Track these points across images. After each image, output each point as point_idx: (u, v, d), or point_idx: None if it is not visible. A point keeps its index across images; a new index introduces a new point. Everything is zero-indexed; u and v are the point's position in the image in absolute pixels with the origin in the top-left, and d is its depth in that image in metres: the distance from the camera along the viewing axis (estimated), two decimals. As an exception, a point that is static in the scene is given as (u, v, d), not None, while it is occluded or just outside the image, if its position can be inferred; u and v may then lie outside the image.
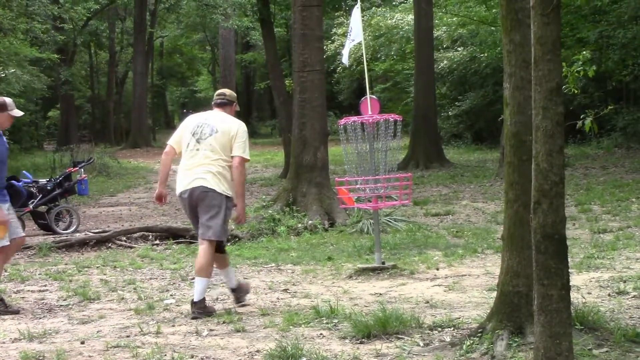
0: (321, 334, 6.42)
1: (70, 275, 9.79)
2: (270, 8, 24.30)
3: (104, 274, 9.83)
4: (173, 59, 60.60)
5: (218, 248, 7.52)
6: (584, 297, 6.82)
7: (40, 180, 15.39)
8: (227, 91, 8.02)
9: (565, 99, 4.69)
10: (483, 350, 5.45)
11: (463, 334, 5.88)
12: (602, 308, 6.47)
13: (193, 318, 7.20)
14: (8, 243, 7.82)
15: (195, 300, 7.31)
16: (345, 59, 10.85)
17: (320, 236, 12.07)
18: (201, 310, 7.26)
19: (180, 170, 7.56)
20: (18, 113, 8.03)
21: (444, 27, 29.22)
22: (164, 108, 66.94)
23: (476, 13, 26.38)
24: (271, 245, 11.55)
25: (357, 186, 9.42)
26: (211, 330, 6.72)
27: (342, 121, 9.35)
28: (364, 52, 10.46)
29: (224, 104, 7.79)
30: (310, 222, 12.66)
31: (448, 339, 5.92)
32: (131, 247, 12.01)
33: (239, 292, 7.76)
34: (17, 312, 7.74)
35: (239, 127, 7.56)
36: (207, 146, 7.44)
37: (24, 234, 8.52)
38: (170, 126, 66.12)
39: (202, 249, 7.41)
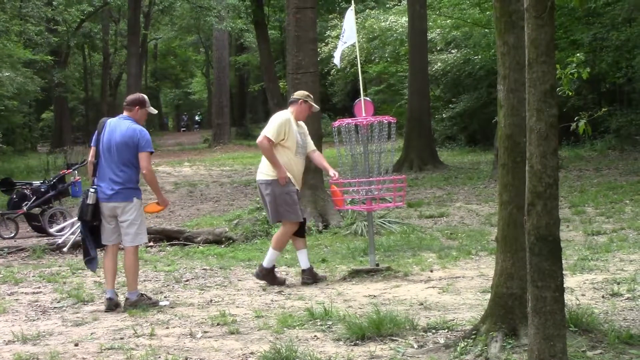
0: (315, 335, 6.41)
1: (64, 277, 9.78)
2: (264, 10, 24.32)
3: (98, 276, 9.79)
4: (167, 61, 60.63)
5: (298, 231, 8.74)
6: (577, 299, 6.83)
7: (34, 182, 15.36)
8: (297, 92, 9.09)
9: (559, 101, 4.70)
10: (477, 352, 5.45)
11: (457, 336, 5.88)
12: (596, 310, 6.49)
13: (303, 284, 8.55)
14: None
15: (304, 268, 8.67)
16: (337, 61, 10.83)
17: (314, 238, 12.05)
18: (310, 276, 8.61)
19: None
20: (153, 110, 8.43)
21: (438, 30, 29.21)
22: (158, 110, 66.88)
23: (470, 15, 26.41)
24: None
25: (351, 188, 9.42)
26: (205, 332, 6.72)
27: (336, 123, 9.34)
28: (357, 54, 10.44)
29: (290, 102, 8.94)
30: (304, 224, 12.65)
31: (442, 341, 5.92)
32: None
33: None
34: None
35: (274, 116, 8.74)
36: None
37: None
38: (163, 128, 66.22)
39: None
